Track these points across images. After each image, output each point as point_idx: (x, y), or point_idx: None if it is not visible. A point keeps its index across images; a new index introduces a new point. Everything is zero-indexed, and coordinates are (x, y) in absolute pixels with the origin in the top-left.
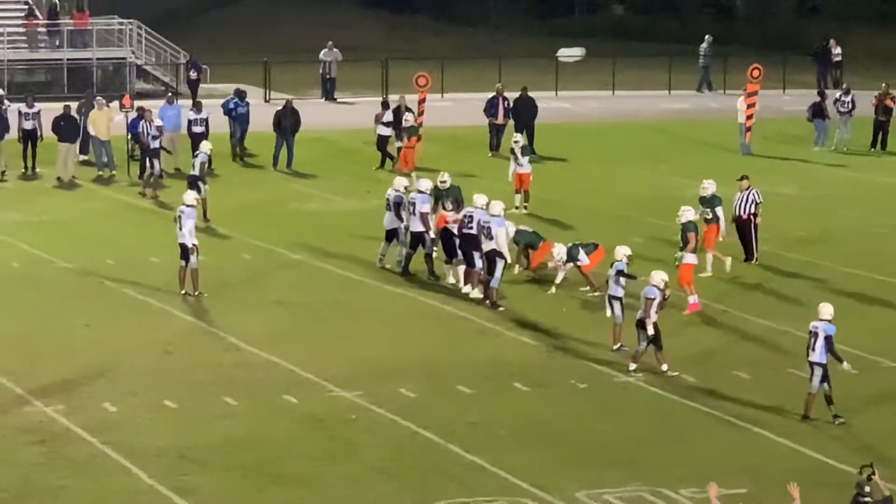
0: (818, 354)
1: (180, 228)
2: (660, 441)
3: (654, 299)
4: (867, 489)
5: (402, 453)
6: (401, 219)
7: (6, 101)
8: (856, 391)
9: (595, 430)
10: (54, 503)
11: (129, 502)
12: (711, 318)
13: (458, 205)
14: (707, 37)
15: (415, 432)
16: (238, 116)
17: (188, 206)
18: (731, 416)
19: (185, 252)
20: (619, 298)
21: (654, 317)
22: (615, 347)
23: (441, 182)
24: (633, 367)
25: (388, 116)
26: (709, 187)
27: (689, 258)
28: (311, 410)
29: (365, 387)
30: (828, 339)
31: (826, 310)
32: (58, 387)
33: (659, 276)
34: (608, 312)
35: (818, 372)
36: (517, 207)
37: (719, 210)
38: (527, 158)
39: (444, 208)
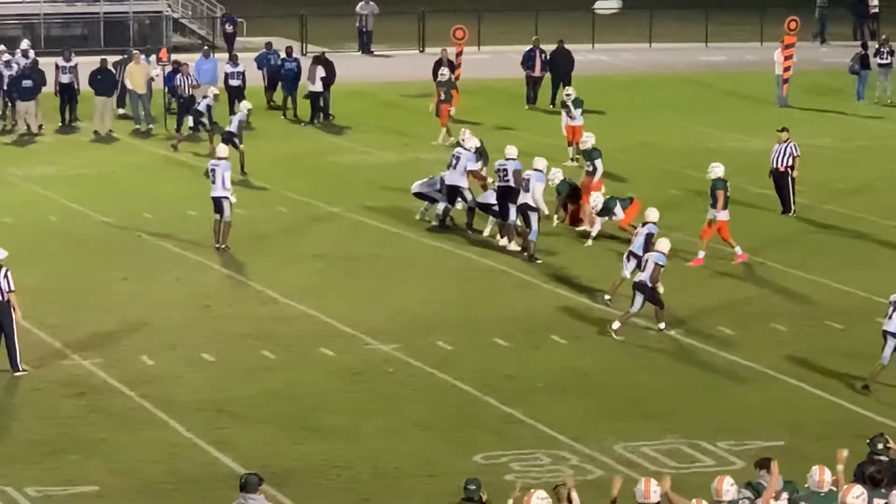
0: (893, 323)
1: (213, 182)
2: (697, 393)
3: (663, 266)
4: (879, 446)
5: (438, 406)
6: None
7: (31, 53)
8: None
9: (632, 382)
10: (92, 456)
11: (167, 455)
12: (749, 270)
13: (483, 157)
14: None
15: (452, 385)
16: (285, 74)
17: (221, 158)
18: (767, 369)
19: (218, 205)
20: (640, 257)
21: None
22: (608, 297)
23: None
24: (617, 325)
25: (321, 72)
26: (588, 141)
27: (722, 215)
28: (347, 363)
29: (402, 339)
30: None
31: None
32: (96, 340)
33: (667, 244)
34: (625, 267)
35: (891, 342)
36: (572, 160)
37: (598, 162)
38: (579, 111)
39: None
